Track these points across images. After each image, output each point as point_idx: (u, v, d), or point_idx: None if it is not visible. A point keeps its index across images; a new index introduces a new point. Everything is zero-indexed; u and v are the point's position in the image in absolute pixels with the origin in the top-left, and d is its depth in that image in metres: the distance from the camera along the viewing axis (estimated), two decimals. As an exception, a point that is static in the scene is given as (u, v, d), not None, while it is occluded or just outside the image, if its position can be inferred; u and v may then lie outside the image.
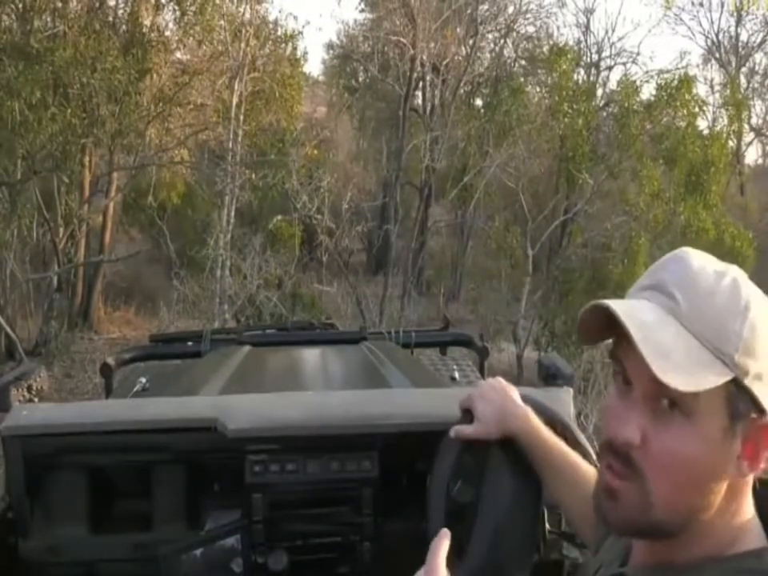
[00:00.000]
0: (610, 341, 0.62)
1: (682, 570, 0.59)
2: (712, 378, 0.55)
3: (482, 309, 10.65)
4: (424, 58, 11.76)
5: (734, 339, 0.56)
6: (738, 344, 0.56)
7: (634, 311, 0.58)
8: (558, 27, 24.84)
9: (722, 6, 19.09)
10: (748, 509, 0.60)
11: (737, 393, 0.56)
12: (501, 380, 1.00)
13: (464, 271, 12.92)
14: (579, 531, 0.96)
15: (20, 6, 8.61)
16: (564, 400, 1.22)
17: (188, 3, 9.02)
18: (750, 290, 0.59)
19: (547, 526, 1.16)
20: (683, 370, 0.55)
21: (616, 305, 0.58)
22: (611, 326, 0.59)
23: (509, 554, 0.90)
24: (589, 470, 0.91)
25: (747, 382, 0.56)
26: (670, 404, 0.57)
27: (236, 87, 9.58)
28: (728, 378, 0.55)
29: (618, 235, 9.93)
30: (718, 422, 0.56)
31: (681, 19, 18.55)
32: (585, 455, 0.99)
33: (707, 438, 0.56)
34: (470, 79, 13.04)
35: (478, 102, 13.87)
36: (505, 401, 0.94)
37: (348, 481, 1.16)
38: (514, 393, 0.97)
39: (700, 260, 0.60)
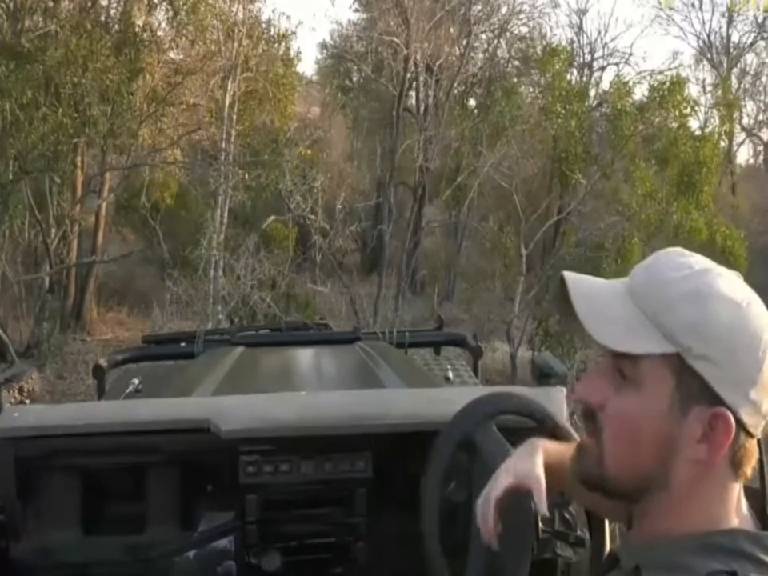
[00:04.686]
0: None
1: (654, 545, 0.62)
2: (646, 345, 0.59)
3: (476, 309, 10.66)
4: (417, 58, 11.77)
5: (679, 318, 0.59)
6: (679, 321, 0.59)
7: (585, 281, 0.65)
8: (551, 28, 24.81)
9: (713, 7, 19.23)
10: (738, 510, 0.61)
11: (684, 370, 0.59)
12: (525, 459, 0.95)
13: (458, 271, 12.93)
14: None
15: (11, 5, 8.56)
16: (557, 399, 1.22)
17: (181, 3, 8.99)
18: (730, 290, 0.60)
19: (540, 524, 1.16)
20: (618, 332, 0.60)
21: (571, 275, 0.65)
22: None
23: (507, 554, 0.91)
24: None
25: (693, 360, 0.58)
26: (621, 374, 0.62)
27: (229, 87, 9.55)
28: (666, 350, 0.59)
29: (611, 235, 9.97)
30: (664, 395, 0.59)
31: (673, 20, 18.63)
32: None
33: (652, 408, 0.60)
34: (463, 79, 13.06)
35: (472, 102, 13.90)
36: (542, 459, 0.92)
37: (341, 481, 1.16)
38: (527, 451, 0.93)
39: (678, 254, 0.64)
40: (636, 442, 0.61)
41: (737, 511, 0.61)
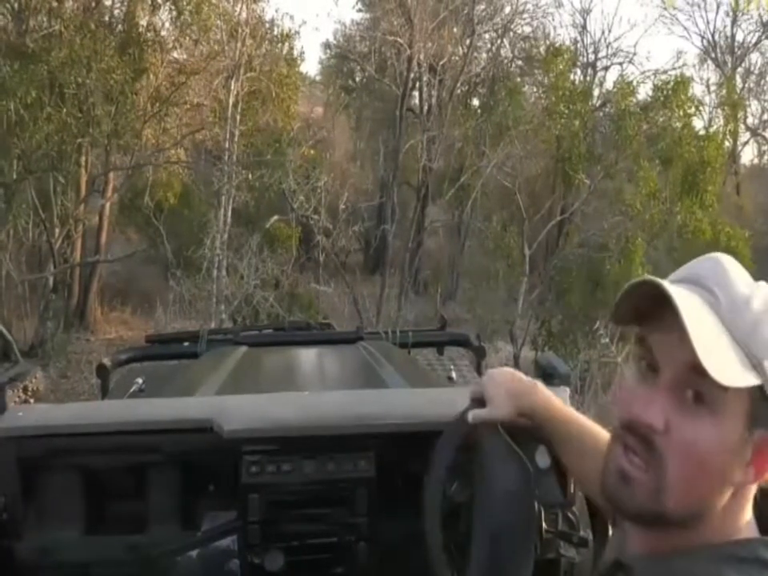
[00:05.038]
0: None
1: (673, 557, 0.61)
2: (744, 378, 0.55)
3: (479, 309, 10.65)
4: (421, 57, 11.78)
5: (766, 347, 0.57)
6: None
7: (684, 295, 0.57)
8: (555, 27, 24.88)
9: (717, 7, 19.18)
10: (748, 512, 0.61)
11: (760, 400, 0.57)
12: (505, 368, 1.01)
13: (461, 271, 12.93)
14: (597, 500, 0.95)
15: (15, 5, 8.59)
16: (561, 399, 1.22)
17: (184, 3, 9.00)
18: None
19: (543, 525, 1.16)
20: (722, 363, 0.55)
21: (671, 286, 0.58)
22: (643, 308, 0.59)
23: (509, 554, 0.91)
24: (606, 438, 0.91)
25: None
26: (696, 396, 0.57)
27: (232, 87, 9.57)
28: (757, 382, 0.56)
29: (614, 235, 9.95)
30: (738, 425, 0.57)
31: (677, 19, 18.57)
32: None
33: (726, 438, 0.57)
34: (466, 79, 13.06)
35: (475, 102, 13.91)
36: (512, 380, 0.96)
37: (344, 481, 1.16)
38: (520, 373, 0.99)
39: (735, 267, 0.62)
40: (705, 473, 0.57)
41: (747, 512, 0.61)
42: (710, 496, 0.58)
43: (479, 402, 0.95)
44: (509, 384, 0.95)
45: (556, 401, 0.95)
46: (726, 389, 0.55)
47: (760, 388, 0.57)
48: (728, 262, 0.62)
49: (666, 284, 0.57)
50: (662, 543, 0.62)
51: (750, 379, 0.56)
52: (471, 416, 0.93)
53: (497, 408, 0.93)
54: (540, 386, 0.96)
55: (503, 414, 0.92)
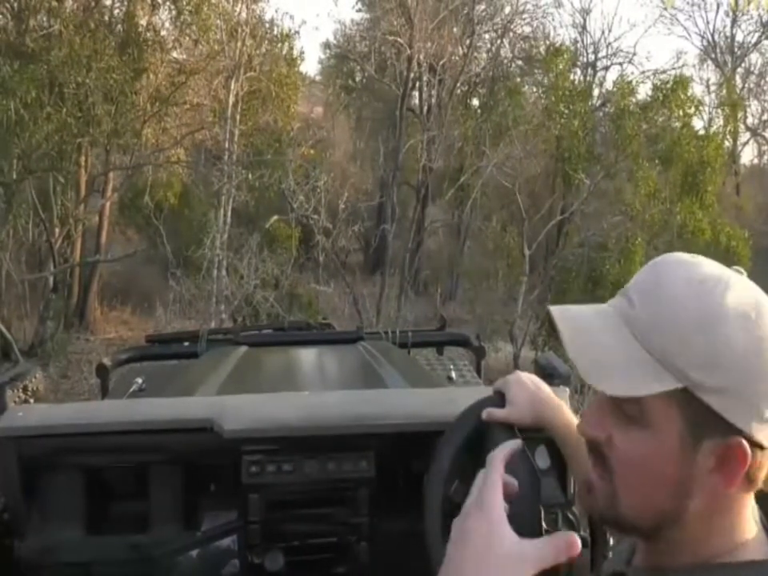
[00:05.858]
0: None
1: (675, 574, 0.60)
2: (649, 386, 0.55)
3: (479, 309, 10.65)
4: (421, 57, 11.78)
5: (686, 350, 0.55)
6: (692, 355, 0.55)
7: (574, 315, 0.61)
8: (555, 27, 24.91)
9: (718, 7, 19.18)
10: (749, 522, 0.59)
11: (692, 404, 0.55)
12: (534, 375, 1.01)
13: (461, 271, 12.93)
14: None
15: (15, 5, 8.58)
16: (561, 399, 1.22)
17: (184, 2, 9.01)
18: (738, 301, 0.56)
19: (543, 525, 1.16)
20: (617, 375, 0.56)
21: (560, 309, 0.61)
22: None
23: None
24: None
25: (703, 394, 0.55)
26: (625, 413, 0.58)
27: (232, 87, 9.57)
28: (671, 387, 0.55)
29: (614, 235, 9.95)
30: (674, 431, 0.56)
31: (677, 19, 18.59)
32: None
33: (662, 445, 0.57)
34: (466, 79, 13.06)
35: (475, 102, 13.91)
36: (540, 390, 0.95)
37: (345, 481, 1.16)
38: (547, 387, 0.98)
39: (680, 266, 0.59)
40: (648, 484, 0.58)
41: (748, 523, 0.60)
42: (669, 504, 0.58)
43: (498, 398, 0.94)
44: (535, 392, 0.94)
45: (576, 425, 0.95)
46: (639, 400, 0.56)
47: (685, 391, 0.55)
48: (672, 262, 0.60)
49: (554, 309, 0.61)
50: (664, 557, 0.61)
51: (659, 386, 0.55)
52: (486, 413, 0.92)
53: (517, 411, 0.92)
54: (566, 408, 0.95)
55: (520, 418, 0.92)
